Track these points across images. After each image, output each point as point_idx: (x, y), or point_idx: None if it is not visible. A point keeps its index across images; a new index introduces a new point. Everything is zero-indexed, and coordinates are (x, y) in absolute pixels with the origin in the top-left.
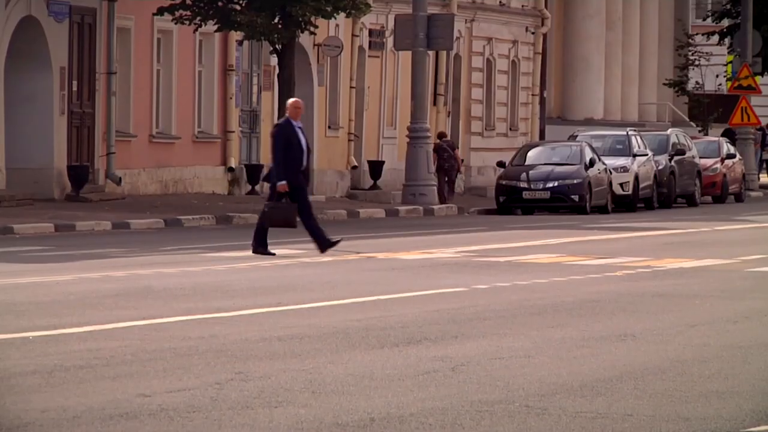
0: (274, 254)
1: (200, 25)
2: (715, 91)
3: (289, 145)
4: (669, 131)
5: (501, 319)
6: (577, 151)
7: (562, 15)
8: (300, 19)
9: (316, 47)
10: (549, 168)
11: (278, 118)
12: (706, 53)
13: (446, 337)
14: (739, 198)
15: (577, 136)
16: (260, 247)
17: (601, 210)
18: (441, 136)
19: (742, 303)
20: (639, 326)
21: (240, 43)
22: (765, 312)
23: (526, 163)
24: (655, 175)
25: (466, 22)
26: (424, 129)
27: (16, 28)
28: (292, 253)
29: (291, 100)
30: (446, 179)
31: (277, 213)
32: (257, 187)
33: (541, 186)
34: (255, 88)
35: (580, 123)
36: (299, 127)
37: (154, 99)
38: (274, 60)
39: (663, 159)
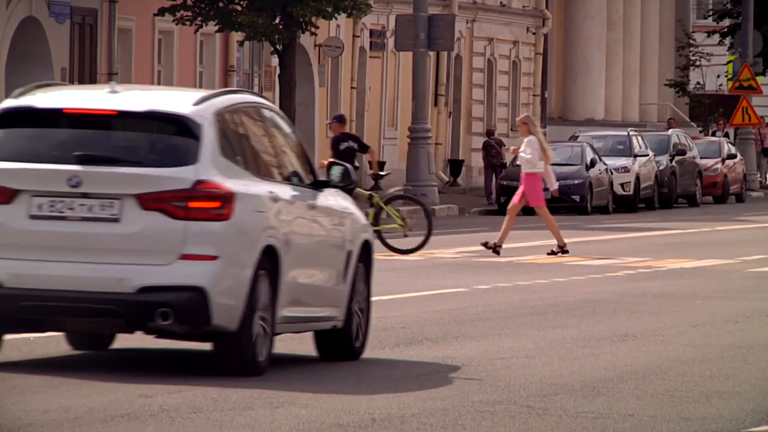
0: None
1: (201, 26)
2: (716, 91)
3: None
4: (670, 131)
5: (502, 319)
6: (578, 152)
7: (562, 15)
8: (301, 19)
9: (317, 48)
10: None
11: None
12: (707, 53)
13: (447, 338)
14: (740, 198)
15: (578, 136)
16: None
17: (602, 210)
18: (489, 133)
19: (743, 303)
20: (640, 326)
21: (241, 43)
22: (766, 312)
23: None
24: (656, 176)
25: (467, 23)
26: (424, 129)
27: (17, 29)
28: None
29: None
30: (494, 177)
31: None
32: None
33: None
34: (256, 89)
35: (581, 123)
36: None
37: None
38: (275, 60)
39: (664, 159)
